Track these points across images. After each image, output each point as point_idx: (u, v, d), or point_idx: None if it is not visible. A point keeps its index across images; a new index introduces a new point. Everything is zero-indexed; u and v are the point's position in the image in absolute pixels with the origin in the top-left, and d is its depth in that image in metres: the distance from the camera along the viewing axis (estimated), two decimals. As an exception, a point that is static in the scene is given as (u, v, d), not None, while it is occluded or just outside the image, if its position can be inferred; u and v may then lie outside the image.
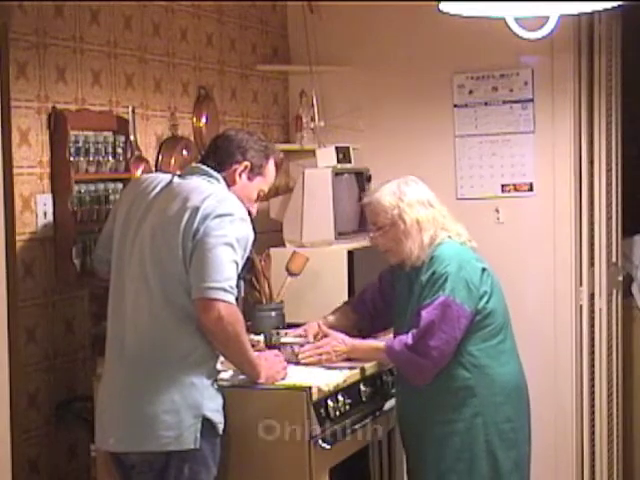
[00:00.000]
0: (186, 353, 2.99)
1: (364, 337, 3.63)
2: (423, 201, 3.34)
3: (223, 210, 3.00)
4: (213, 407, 3.02)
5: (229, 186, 3.17)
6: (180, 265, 2.97)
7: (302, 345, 3.48)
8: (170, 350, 2.98)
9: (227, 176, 3.17)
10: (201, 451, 2.98)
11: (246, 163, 3.20)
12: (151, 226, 3.04)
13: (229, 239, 2.97)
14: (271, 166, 3.29)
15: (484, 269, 3.29)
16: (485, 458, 3.27)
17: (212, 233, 2.96)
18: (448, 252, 3.28)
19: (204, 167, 3.17)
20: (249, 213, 3.21)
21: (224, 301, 2.94)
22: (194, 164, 3.25)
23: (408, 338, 3.22)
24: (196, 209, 2.98)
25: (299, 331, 3.58)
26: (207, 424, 2.99)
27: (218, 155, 3.20)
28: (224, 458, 3.12)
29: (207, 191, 3.05)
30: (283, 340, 3.53)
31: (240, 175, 3.20)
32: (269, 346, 3.61)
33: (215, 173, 3.15)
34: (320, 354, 3.39)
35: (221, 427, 3.04)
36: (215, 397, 3.04)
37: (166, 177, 3.19)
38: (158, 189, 3.12)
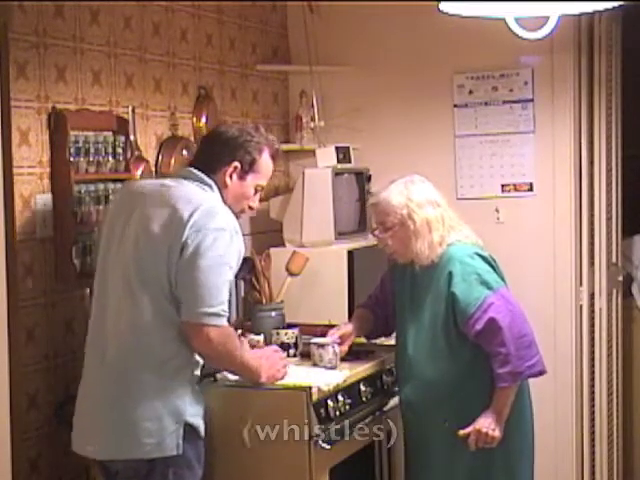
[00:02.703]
0: (167, 358, 2.95)
1: (373, 339, 3.66)
2: (431, 200, 3.34)
3: (214, 224, 2.92)
4: (194, 412, 3.00)
5: (221, 189, 3.09)
6: (163, 274, 2.93)
7: (340, 344, 3.48)
8: (151, 356, 2.95)
9: (218, 179, 3.09)
10: (184, 455, 2.96)
11: (235, 164, 3.10)
12: (136, 231, 2.99)
13: (222, 259, 2.92)
14: (265, 160, 3.17)
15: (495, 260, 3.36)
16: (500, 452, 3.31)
17: (206, 253, 2.89)
18: (461, 252, 3.29)
19: (196, 172, 3.08)
20: (250, 208, 3.18)
21: (217, 326, 2.92)
22: (187, 167, 3.15)
23: (498, 356, 3.18)
24: (184, 221, 2.91)
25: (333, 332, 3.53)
26: (189, 428, 2.97)
27: (207, 158, 3.12)
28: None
29: (197, 201, 2.97)
30: (316, 341, 3.52)
31: (230, 176, 3.11)
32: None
33: (207, 179, 3.07)
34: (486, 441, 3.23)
35: (202, 430, 3.02)
36: (196, 401, 3.02)
37: (156, 182, 3.15)
38: (146, 193, 3.06)
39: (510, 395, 3.22)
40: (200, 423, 3.02)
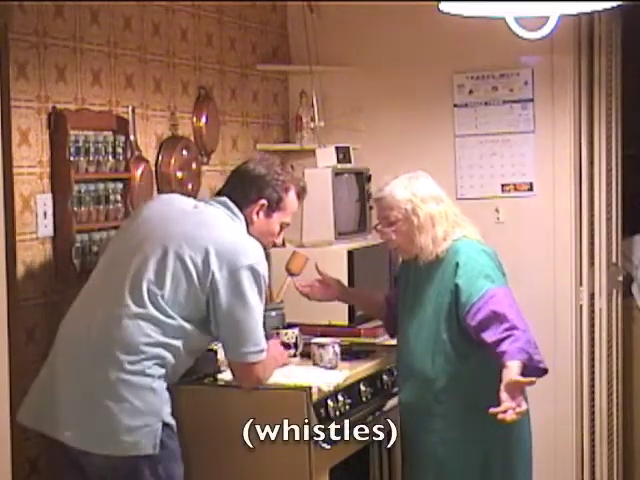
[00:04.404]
0: (149, 358, 2.97)
1: (391, 331, 3.66)
2: (435, 196, 3.34)
3: (247, 260, 3.03)
4: (168, 410, 3.01)
5: (248, 225, 3.18)
6: (181, 291, 3.00)
7: (340, 345, 3.53)
8: (134, 355, 2.95)
9: (245, 215, 3.19)
10: (169, 449, 2.98)
11: (262, 202, 3.20)
12: (162, 241, 3.05)
13: (259, 296, 3.06)
14: (291, 198, 3.27)
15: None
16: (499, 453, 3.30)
17: (245, 295, 3.01)
18: (467, 247, 3.30)
19: (231, 204, 3.17)
20: (273, 245, 3.29)
21: (261, 360, 3.08)
22: (222, 197, 3.22)
23: (507, 338, 3.09)
24: (210, 249, 3.00)
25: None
26: (166, 427, 2.98)
27: (235, 193, 3.20)
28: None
29: (226, 229, 3.10)
30: (316, 341, 3.53)
31: (257, 214, 3.20)
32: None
33: (239, 213, 3.17)
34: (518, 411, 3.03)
35: (175, 427, 3.04)
36: (168, 399, 3.03)
37: (190, 201, 3.25)
38: (181, 209, 3.16)
39: (519, 370, 3.03)
40: (173, 421, 3.03)
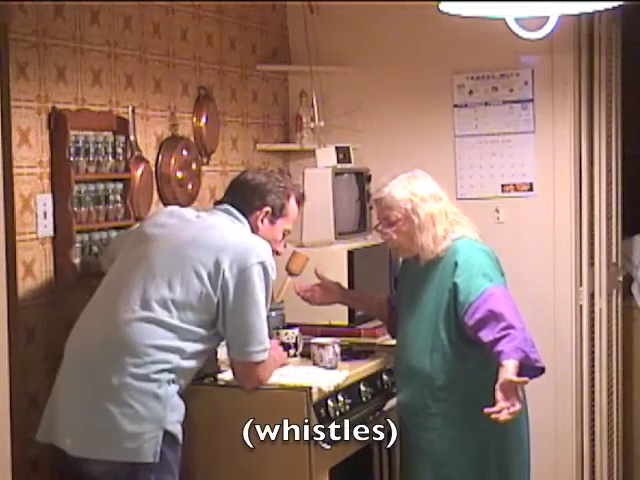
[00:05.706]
0: (154, 364, 2.97)
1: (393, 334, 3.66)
2: (434, 195, 3.35)
3: (256, 258, 3.06)
4: (174, 419, 3.00)
5: (253, 232, 3.21)
6: (192, 293, 3.02)
7: (340, 345, 3.54)
8: (138, 360, 2.95)
9: (251, 223, 3.22)
10: (166, 460, 2.97)
11: (267, 209, 3.24)
12: (172, 248, 3.08)
13: (265, 295, 3.08)
14: (292, 204, 3.32)
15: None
16: (495, 455, 3.29)
17: (253, 294, 3.04)
18: (467, 246, 3.30)
19: (234, 210, 3.20)
20: (276, 252, 3.30)
21: (264, 360, 3.10)
22: (224, 205, 3.25)
23: (504, 337, 3.08)
24: (220, 250, 3.04)
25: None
26: (168, 435, 2.97)
27: (238, 202, 3.23)
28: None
29: (231, 231, 3.13)
30: (316, 341, 3.54)
31: (262, 221, 3.24)
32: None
33: (243, 219, 3.20)
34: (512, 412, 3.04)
35: (180, 436, 3.03)
36: (177, 407, 3.02)
37: (193, 211, 3.28)
38: (178, 220, 3.20)
39: (514, 369, 3.03)
40: (178, 430, 3.02)
